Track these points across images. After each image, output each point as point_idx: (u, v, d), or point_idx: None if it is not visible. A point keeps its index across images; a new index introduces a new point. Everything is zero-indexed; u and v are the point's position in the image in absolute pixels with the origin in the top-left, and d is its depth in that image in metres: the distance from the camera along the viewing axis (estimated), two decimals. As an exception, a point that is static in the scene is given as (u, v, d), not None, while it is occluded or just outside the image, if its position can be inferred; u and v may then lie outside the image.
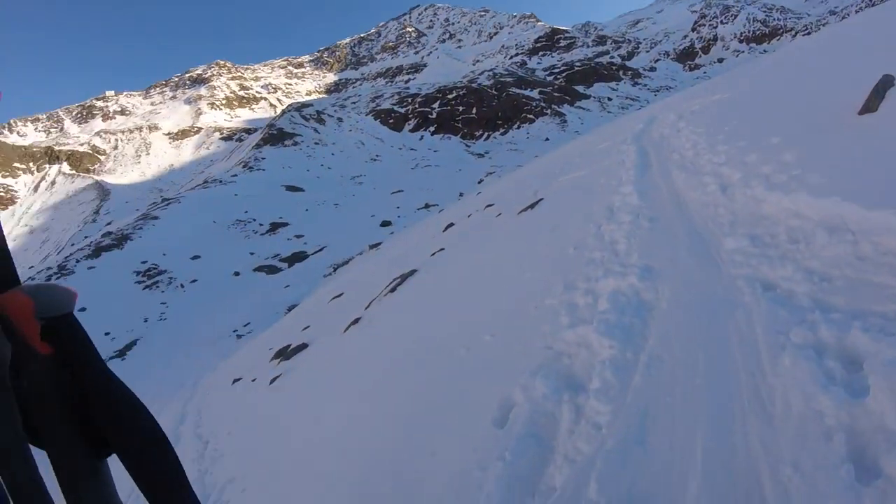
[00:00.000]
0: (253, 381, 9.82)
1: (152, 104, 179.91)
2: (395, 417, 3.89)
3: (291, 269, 34.31)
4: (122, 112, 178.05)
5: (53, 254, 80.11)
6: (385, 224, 38.84)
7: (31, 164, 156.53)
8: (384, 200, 47.04)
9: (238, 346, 21.08)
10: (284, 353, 9.80)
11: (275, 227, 42.60)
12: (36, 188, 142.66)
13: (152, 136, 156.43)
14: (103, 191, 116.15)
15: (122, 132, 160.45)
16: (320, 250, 36.12)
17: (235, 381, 11.13)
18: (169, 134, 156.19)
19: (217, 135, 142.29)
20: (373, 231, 36.59)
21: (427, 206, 42.03)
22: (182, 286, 33.75)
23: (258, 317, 26.13)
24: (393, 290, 8.48)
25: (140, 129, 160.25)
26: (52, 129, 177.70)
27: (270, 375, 8.89)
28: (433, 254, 9.85)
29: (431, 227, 15.33)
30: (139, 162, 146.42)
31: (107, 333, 28.68)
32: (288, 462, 4.80)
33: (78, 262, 39.48)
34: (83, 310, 31.52)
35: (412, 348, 5.14)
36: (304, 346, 9.41)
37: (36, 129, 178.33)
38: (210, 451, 7.37)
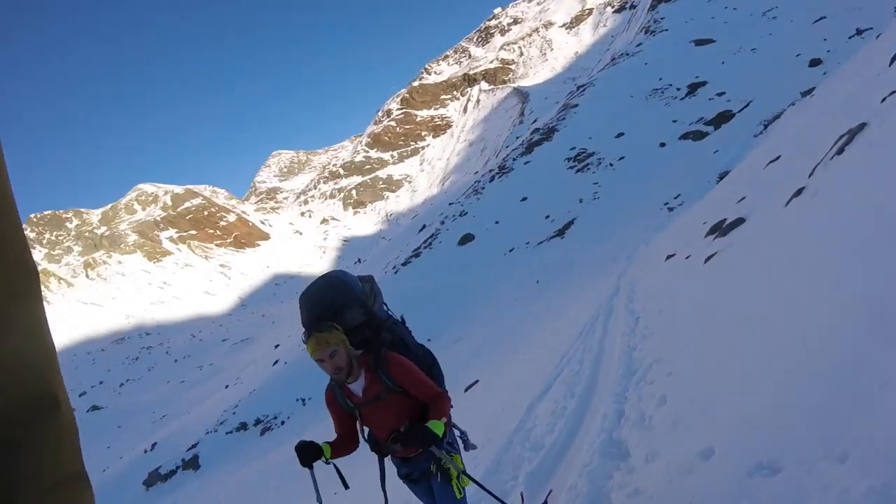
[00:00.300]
0: (687, 258, 9.27)
1: (538, 3, 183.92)
2: (849, 320, 2.92)
3: (718, 132, 31.89)
4: (515, 22, 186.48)
5: (493, 158, 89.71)
6: (814, 63, 32.66)
7: (454, 93, 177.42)
8: (804, 33, 39.70)
9: (670, 220, 20.66)
10: (719, 229, 8.95)
11: (693, 88, 39.80)
12: (465, 109, 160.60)
13: (550, 33, 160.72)
14: (523, 95, 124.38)
15: (522, 39, 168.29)
16: (746, 106, 32.66)
17: (669, 257, 10.74)
18: (564, 25, 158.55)
19: (609, 9, 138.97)
20: (800, 73, 31.42)
21: (859, 31, 33.49)
22: (611, 164, 34.35)
23: (689, 187, 25.09)
24: (840, 151, 6.84)
25: (536, 30, 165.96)
26: (461, 60, 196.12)
27: (704, 253, 8.19)
28: (883, 100, 7.43)
29: (876, 60, 11.44)
30: (546, 60, 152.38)
31: (547, 216, 31.19)
32: (716, 351, 4.24)
33: (514, 160, 43.33)
34: (524, 199, 34.88)
35: (880, 229, 3.65)
36: (740, 221, 8.43)
37: (448, 64, 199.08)
38: (640, 328, 7.16)
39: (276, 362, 33.45)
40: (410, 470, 3.44)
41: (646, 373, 5.32)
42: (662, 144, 33.60)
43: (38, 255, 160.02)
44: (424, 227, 43.46)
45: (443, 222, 39.31)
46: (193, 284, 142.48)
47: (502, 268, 27.89)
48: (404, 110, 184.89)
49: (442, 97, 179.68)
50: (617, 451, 4.34)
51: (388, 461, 3.54)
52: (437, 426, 3.01)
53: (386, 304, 3.73)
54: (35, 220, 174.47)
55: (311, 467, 3.33)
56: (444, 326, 24.90)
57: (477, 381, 13.49)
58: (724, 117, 32.85)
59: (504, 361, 13.97)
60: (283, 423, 25.81)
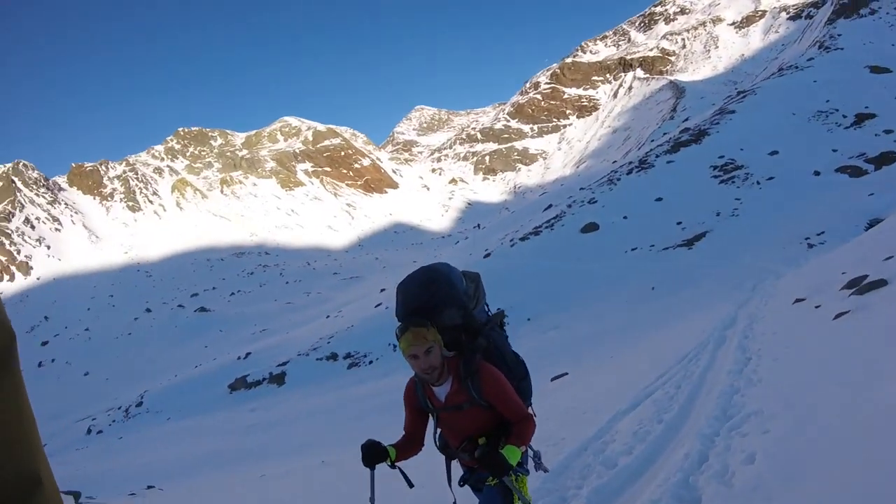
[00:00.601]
0: (816, 307, 8.53)
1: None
2: None
3: (878, 173, 29.18)
4: (682, 11, 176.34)
5: (635, 149, 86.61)
6: None
7: (607, 75, 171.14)
8: None
9: (807, 258, 19.25)
10: (858, 285, 8.09)
11: (860, 119, 36.44)
12: (615, 94, 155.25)
13: (717, 29, 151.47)
14: (678, 89, 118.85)
15: (687, 31, 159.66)
16: (915, 150, 29.97)
17: (797, 300, 9.98)
18: (734, 23, 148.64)
19: (784, 15, 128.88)
20: None
21: None
22: (758, 183, 32.40)
23: (834, 226, 23.25)
24: None
25: (703, 24, 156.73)
26: (620, 42, 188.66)
27: (837, 308, 7.46)
28: None
29: None
30: (709, 57, 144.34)
31: (679, 223, 29.95)
32: (824, 421, 3.86)
33: (658, 156, 41.70)
34: (659, 199, 33.58)
35: None
36: (882, 283, 7.56)
37: (605, 45, 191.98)
38: (749, 371, 6.67)
39: (378, 304, 34.33)
40: (476, 480, 3.31)
41: (741, 422, 4.96)
42: (817, 173, 31.31)
43: (179, 164, 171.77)
44: (551, 206, 42.95)
45: (570, 206, 38.67)
46: (318, 217, 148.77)
47: (620, 265, 27.15)
48: (553, 85, 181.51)
49: (593, 78, 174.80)
50: (688, 497, 4.09)
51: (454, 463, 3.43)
52: (513, 454, 2.87)
53: (487, 306, 3.56)
54: (182, 133, 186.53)
55: (372, 468, 3.23)
56: (545, 310, 24.71)
57: (566, 374, 13.30)
58: (887, 158, 30.23)
59: (597, 362, 13.66)
60: (370, 362, 26.69)
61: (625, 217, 32.63)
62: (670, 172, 37.48)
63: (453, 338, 3.17)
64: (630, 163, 45.64)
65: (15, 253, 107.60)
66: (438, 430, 3.34)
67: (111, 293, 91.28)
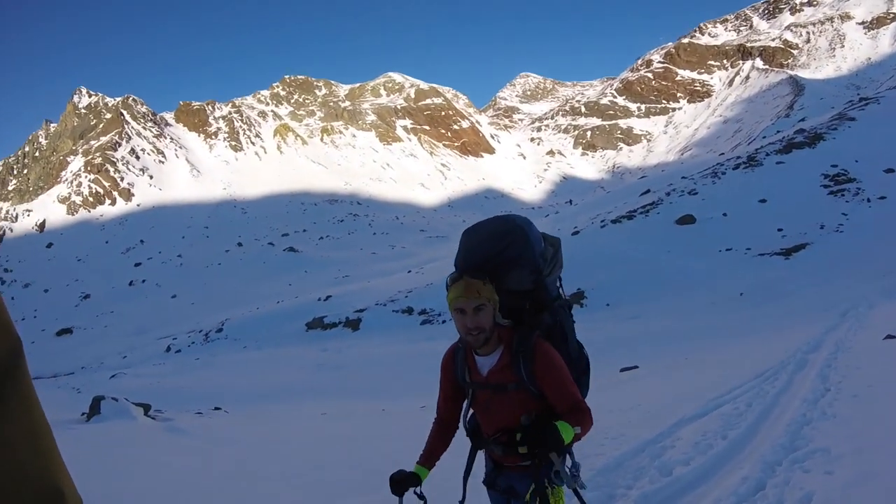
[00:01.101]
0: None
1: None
2: None
3: None
4: (809, 3, 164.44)
5: (744, 144, 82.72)
6: None
7: (724, 61, 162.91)
8: None
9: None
10: None
11: None
12: (730, 83, 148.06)
13: (845, 27, 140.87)
14: (797, 86, 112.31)
15: (813, 24, 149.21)
16: None
17: (889, 337, 9.40)
18: (863, 23, 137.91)
19: None
20: None
21: None
22: (868, 200, 30.30)
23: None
24: None
25: (831, 19, 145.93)
26: (741, 28, 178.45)
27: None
28: None
29: None
30: (833, 55, 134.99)
31: (779, 230, 28.52)
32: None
33: (768, 155, 39.63)
34: (763, 201, 31.99)
35: None
36: None
37: (725, 28, 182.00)
38: (825, 403, 6.31)
39: (458, 268, 34.50)
40: (508, 484, 2.83)
41: (806, 457, 4.73)
42: (926, 197, 29.10)
43: (283, 111, 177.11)
44: (648, 191, 41.70)
45: (668, 194, 37.45)
46: (412, 174, 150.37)
47: (712, 264, 26.15)
48: (666, 65, 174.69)
49: (709, 62, 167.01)
50: (736, 526, 3.99)
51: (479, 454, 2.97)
52: (566, 430, 2.44)
53: (560, 280, 3.03)
54: (288, 80, 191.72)
55: (401, 496, 2.83)
56: (626, 298, 24.28)
57: (637, 367, 13.07)
58: None
59: (671, 361, 13.31)
60: (444, 322, 26.99)
61: (724, 214, 31.31)
62: (778, 174, 35.57)
63: (515, 306, 2.75)
64: (738, 157, 43.59)
65: (118, 179, 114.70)
66: (471, 412, 2.88)
67: (206, 225, 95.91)
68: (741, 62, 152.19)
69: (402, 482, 2.76)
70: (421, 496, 2.77)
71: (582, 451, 6.30)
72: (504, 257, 2.72)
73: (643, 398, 9.06)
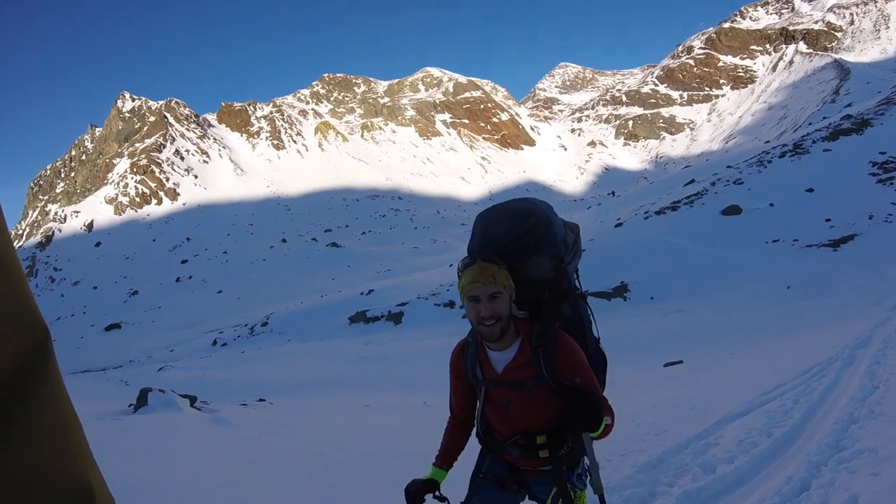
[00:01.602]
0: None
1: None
2: None
3: None
4: None
5: (790, 131, 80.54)
6: None
7: (766, 46, 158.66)
8: None
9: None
10: None
11: None
12: (774, 67, 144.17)
13: (889, 7, 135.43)
14: (842, 70, 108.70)
15: (856, 5, 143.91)
16: None
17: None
18: None
19: None
20: None
21: None
22: (919, 188, 29.35)
23: None
24: None
25: (875, 0, 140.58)
26: (782, 11, 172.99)
27: None
28: None
29: None
30: (878, 38, 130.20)
31: (827, 220, 27.69)
32: None
33: (814, 142, 38.56)
34: (810, 191, 31.12)
35: None
36: None
37: (767, 12, 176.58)
38: (873, 401, 6.17)
39: (502, 261, 34.38)
40: (527, 488, 2.64)
41: (852, 457, 4.62)
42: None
43: (323, 108, 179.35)
44: (693, 181, 40.93)
45: (713, 184, 36.73)
46: (452, 168, 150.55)
47: (758, 256, 25.52)
48: (707, 51, 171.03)
49: (751, 47, 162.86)
50: (780, 526, 3.93)
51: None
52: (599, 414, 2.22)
53: (578, 272, 2.86)
54: (327, 78, 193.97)
55: (422, 502, 2.62)
56: (670, 291, 23.94)
57: (681, 362, 12.89)
58: None
59: (716, 356, 13.10)
60: (484, 315, 26.99)
61: (771, 204, 30.54)
62: (826, 162, 34.53)
63: (533, 296, 2.55)
64: (784, 145, 42.47)
65: (164, 180, 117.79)
66: (482, 411, 2.65)
67: (251, 222, 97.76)
68: (784, 46, 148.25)
69: (417, 493, 2.57)
70: (442, 499, 2.58)
71: (623, 446, 6.29)
72: (525, 241, 2.51)
73: (687, 394, 8.95)
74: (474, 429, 2.74)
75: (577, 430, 2.32)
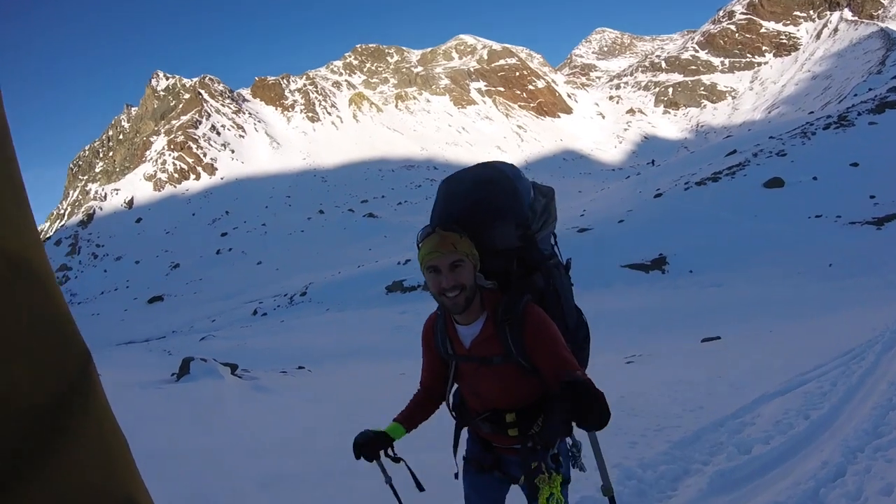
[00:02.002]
0: None
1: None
2: None
3: None
4: None
5: (834, 102, 77.98)
6: None
7: (810, 12, 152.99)
8: None
9: None
10: None
11: None
12: (818, 35, 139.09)
13: None
14: (889, 40, 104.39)
15: None
16: None
17: None
18: None
19: None
20: None
21: None
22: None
23: None
24: None
25: None
26: None
27: None
28: None
29: None
30: None
31: (872, 196, 26.86)
32: None
33: (859, 115, 37.37)
34: (855, 165, 30.16)
35: None
36: None
37: None
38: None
39: (537, 230, 34.14)
40: (501, 467, 2.51)
41: (890, 445, 4.57)
42: None
43: (356, 79, 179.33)
44: (735, 152, 40.09)
45: (756, 154, 35.94)
46: (488, 137, 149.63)
47: (800, 232, 24.93)
48: (749, 16, 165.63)
49: (795, 13, 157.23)
50: (815, 510, 3.95)
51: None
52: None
53: (555, 237, 2.66)
54: (360, 49, 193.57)
55: (378, 459, 2.50)
56: (710, 264, 23.65)
57: (718, 338, 12.79)
58: None
59: (754, 332, 12.97)
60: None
61: (814, 178, 29.74)
62: (871, 136, 33.42)
63: (501, 267, 2.38)
64: (828, 117, 41.24)
65: (201, 155, 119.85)
66: (455, 386, 2.56)
67: (288, 194, 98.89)
68: (828, 13, 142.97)
69: (367, 446, 2.45)
70: (396, 459, 2.50)
71: (658, 422, 6.33)
72: (486, 209, 2.35)
73: (724, 370, 8.94)
74: (443, 403, 2.62)
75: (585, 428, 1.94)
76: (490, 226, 2.33)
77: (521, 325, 2.20)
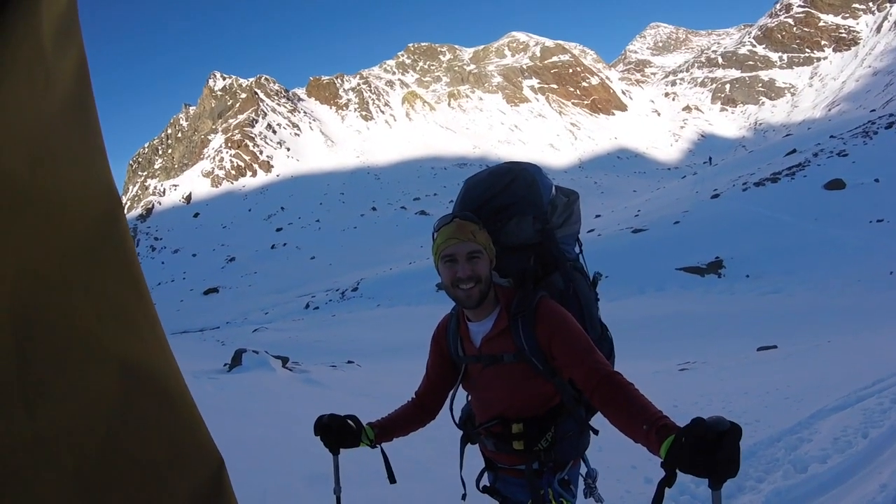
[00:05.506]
0: None
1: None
2: None
3: None
4: None
5: (896, 100, 74.82)
6: None
7: (870, 4, 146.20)
8: None
9: None
10: None
11: None
12: (878, 28, 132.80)
13: None
14: None
15: None
16: None
17: None
18: None
19: None
20: None
21: None
22: None
23: None
24: None
25: None
26: None
27: None
28: None
29: None
30: None
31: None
32: None
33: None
34: None
35: None
36: None
37: None
38: None
39: (591, 230, 34.13)
40: (506, 492, 2.36)
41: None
42: None
43: (409, 78, 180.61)
44: (794, 151, 38.87)
45: (816, 154, 34.78)
46: (541, 135, 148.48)
47: (861, 237, 23.90)
48: (807, 9, 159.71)
49: (854, 5, 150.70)
50: (871, 533, 3.88)
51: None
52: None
53: (580, 244, 2.54)
54: (412, 48, 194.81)
55: (336, 453, 2.38)
56: (768, 269, 23.02)
57: (775, 347, 12.47)
58: None
59: (812, 342, 12.60)
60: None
61: (876, 180, 28.48)
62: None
63: (517, 266, 2.26)
64: (891, 115, 39.58)
65: (258, 153, 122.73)
66: (465, 401, 2.45)
67: (342, 191, 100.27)
68: (888, 5, 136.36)
69: (335, 438, 2.31)
70: (374, 446, 2.40)
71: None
72: (504, 199, 2.29)
73: (781, 382, 8.75)
74: (430, 422, 2.50)
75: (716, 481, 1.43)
76: (507, 218, 2.27)
77: (534, 318, 2.07)
